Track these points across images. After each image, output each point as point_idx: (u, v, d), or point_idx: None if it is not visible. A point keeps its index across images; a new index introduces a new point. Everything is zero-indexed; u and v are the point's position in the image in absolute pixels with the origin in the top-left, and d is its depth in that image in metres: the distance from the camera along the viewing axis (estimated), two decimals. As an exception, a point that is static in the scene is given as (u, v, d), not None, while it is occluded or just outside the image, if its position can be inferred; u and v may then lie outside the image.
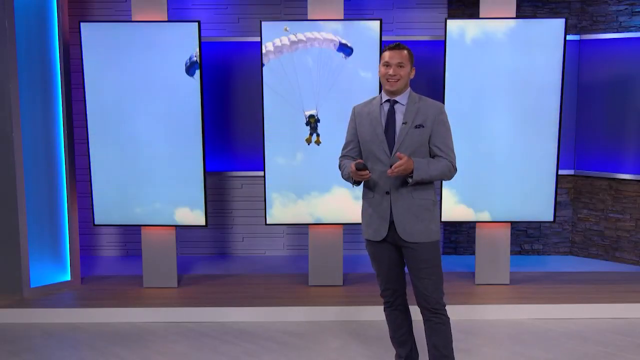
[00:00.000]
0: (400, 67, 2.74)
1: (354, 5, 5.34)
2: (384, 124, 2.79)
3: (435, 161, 2.76)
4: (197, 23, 4.26)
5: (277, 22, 4.31)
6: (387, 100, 2.81)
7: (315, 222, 4.47)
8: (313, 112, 4.27)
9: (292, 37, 4.28)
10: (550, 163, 4.38)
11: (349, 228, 5.39)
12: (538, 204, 4.43)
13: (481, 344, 3.67)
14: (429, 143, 2.78)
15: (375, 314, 4.04)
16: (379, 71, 2.82)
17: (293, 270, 5.09)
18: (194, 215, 4.43)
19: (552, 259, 5.46)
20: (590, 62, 5.13)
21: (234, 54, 5.18)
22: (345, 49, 4.29)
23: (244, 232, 5.62)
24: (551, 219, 4.46)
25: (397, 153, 2.67)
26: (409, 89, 2.82)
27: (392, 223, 2.77)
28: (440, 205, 4.39)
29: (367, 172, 2.68)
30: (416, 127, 2.74)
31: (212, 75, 5.17)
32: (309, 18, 4.35)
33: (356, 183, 2.81)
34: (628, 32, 4.99)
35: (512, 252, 5.39)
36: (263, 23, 4.27)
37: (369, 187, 2.85)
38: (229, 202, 5.58)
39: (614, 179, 5.19)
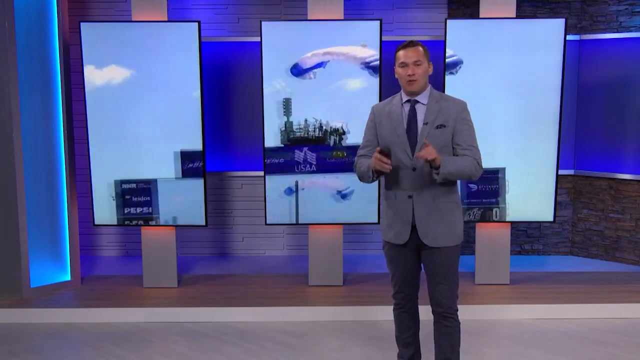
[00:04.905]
0: (418, 65, 2.67)
1: (354, 5, 5.33)
2: (405, 125, 2.71)
3: (460, 157, 2.67)
4: (197, 23, 4.25)
5: (277, 22, 4.31)
6: (408, 100, 2.75)
7: (315, 222, 4.47)
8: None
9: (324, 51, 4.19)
10: (550, 163, 4.38)
11: (349, 228, 5.40)
12: (538, 204, 4.43)
13: (481, 344, 3.67)
14: (452, 143, 2.71)
15: (376, 314, 4.04)
16: (396, 72, 2.74)
17: (293, 270, 5.09)
18: (193, 215, 4.43)
19: (552, 259, 5.46)
20: (590, 62, 5.13)
21: (234, 54, 5.18)
22: (369, 68, 4.14)
23: (244, 232, 5.62)
24: (551, 219, 4.46)
25: (424, 140, 2.57)
26: (429, 87, 2.76)
27: (414, 227, 2.71)
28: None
29: (389, 161, 2.57)
30: (437, 127, 2.68)
31: (212, 75, 5.17)
32: (309, 18, 4.35)
33: (376, 175, 2.69)
34: (628, 32, 4.99)
35: (512, 252, 5.39)
36: (263, 23, 4.27)
37: (391, 189, 2.76)
38: (229, 202, 5.58)
39: (614, 179, 5.19)
